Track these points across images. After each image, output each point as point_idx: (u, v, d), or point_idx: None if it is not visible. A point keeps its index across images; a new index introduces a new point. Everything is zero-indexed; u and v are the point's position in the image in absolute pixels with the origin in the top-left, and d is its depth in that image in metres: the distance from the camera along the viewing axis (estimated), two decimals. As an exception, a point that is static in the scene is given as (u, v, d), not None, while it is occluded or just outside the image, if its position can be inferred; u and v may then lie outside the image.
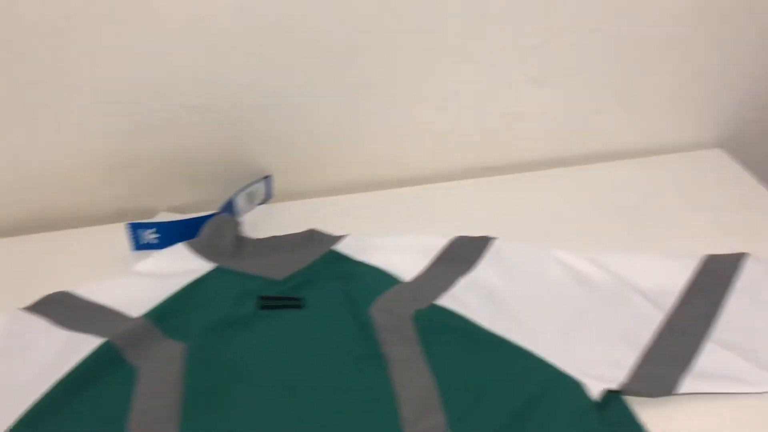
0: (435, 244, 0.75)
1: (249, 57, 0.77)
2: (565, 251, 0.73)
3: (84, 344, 0.63)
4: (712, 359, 0.62)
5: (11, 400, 0.58)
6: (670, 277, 0.71)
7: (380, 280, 0.71)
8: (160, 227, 0.77)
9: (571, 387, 0.59)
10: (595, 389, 0.58)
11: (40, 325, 0.66)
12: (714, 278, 0.71)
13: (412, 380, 0.60)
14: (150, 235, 0.77)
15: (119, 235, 0.78)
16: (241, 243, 0.77)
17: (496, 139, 0.89)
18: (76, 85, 0.75)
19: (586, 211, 0.83)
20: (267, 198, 0.87)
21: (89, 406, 0.58)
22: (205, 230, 0.76)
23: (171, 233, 0.77)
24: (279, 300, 0.69)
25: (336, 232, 0.77)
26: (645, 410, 0.58)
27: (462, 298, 0.69)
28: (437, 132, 0.87)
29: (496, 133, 0.89)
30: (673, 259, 0.73)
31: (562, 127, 0.90)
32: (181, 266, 0.73)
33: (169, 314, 0.67)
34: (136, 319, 0.66)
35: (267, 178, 0.85)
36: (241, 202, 0.82)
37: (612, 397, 0.59)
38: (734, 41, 0.88)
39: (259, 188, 0.84)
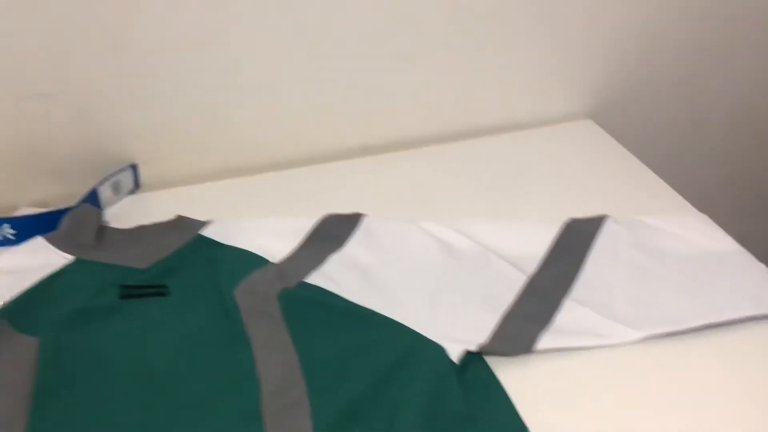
0: (305, 224, 0.74)
1: (97, 42, 0.74)
2: (433, 223, 0.74)
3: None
4: (570, 316, 0.64)
5: None
6: (534, 242, 0.72)
7: (247, 262, 0.70)
8: (17, 222, 0.74)
9: (432, 351, 0.59)
10: (455, 352, 0.59)
11: None
12: (575, 240, 0.73)
13: (274, 358, 0.59)
14: (6, 231, 0.73)
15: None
16: (104, 234, 0.74)
17: (368, 118, 0.89)
18: None
19: (458, 187, 0.84)
20: (135, 188, 0.84)
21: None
22: (65, 222, 0.73)
23: (29, 228, 0.74)
24: (141, 288, 0.67)
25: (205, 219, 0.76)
26: (506, 370, 0.60)
27: (331, 275, 0.68)
28: (306, 114, 0.87)
29: (368, 113, 0.89)
30: (537, 224, 0.75)
31: (434, 104, 0.91)
32: (38, 260, 0.70)
33: (23, 309, 0.64)
34: (-14, 316, 0.63)
35: (132, 167, 0.82)
36: (105, 192, 0.79)
37: (472, 358, 0.60)
38: (600, 12, 0.91)
39: (125, 178, 0.82)
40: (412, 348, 0.60)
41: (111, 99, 0.78)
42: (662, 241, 0.74)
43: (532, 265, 0.70)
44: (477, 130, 0.94)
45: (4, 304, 0.64)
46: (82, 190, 0.79)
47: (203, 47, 0.78)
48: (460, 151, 0.90)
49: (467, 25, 0.86)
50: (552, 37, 0.91)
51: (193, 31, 0.77)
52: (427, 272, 0.69)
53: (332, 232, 0.74)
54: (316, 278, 0.68)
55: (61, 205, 0.76)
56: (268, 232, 0.73)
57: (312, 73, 0.84)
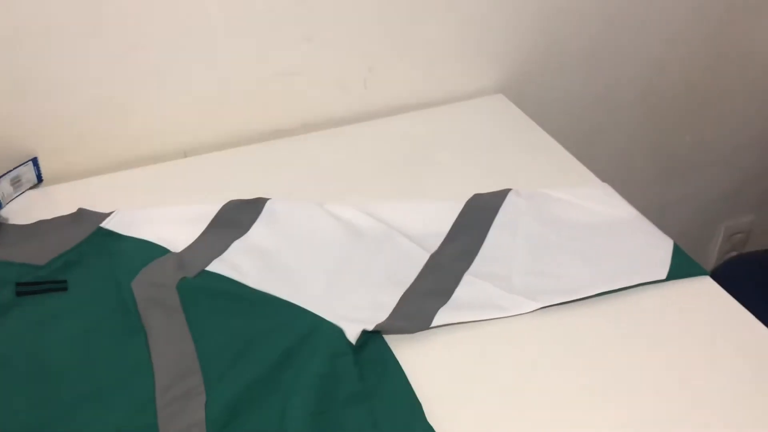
0: (207, 211, 0.74)
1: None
2: (338, 204, 0.74)
3: None
4: (468, 290, 0.65)
5: None
6: (438, 219, 0.73)
7: (147, 253, 0.69)
8: None
9: (329, 332, 0.60)
10: (352, 332, 0.60)
11: None
12: (478, 215, 0.74)
13: (170, 348, 0.59)
14: None
15: None
16: (2, 231, 0.72)
17: (273, 100, 0.88)
18: None
19: (365, 167, 0.84)
20: (37, 182, 0.82)
21: None
22: (-42, 221, 0.71)
23: None
24: (39, 285, 0.66)
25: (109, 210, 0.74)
26: (405, 346, 0.60)
27: (233, 261, 0.68)
28: (208, 98, 0.85)
29: (272, 95, 0.88)
30: (442, 202, 0.76)
31: (339, 84, 0.90)
32: (-73, 262, 0.68)
33: None
34: None
35: (33, 161, 0.80)
36: (4, 188, 0.77)
37: (371, 338, 0.60)
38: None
39: (26, 172, 0.80)
40: (310, 331, 0.60)
41: (6, 91, 0.76)
42: (564, 211, 0.75)
43: (436, 242, 0.71)
44: (386, 109, 0.94)
45: None
46: (-19, 187, 0.77)
47: (98, 33, 0.76)
48: (368, 132, 0.90)
49: (369, 1, 0.86)
50: (458, 11, 0.91)
51: (86, 17, 0.75)
52: (329, 253, 0.69)
53: (235, 218, 0.73)
54: (217, 266, 0.68)
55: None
56: (170, 221, 0.72)
57: (211, 55, 0.82)
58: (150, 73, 0.81)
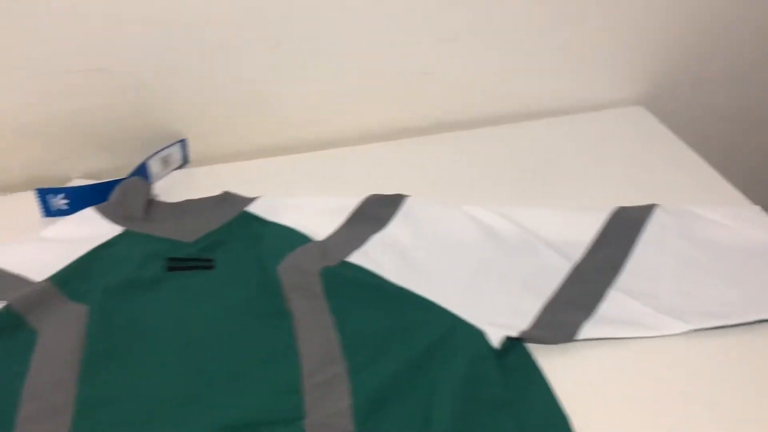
0: (348, 204, 0.74)
1: (148, 19, 0.75)
2: (476, 206, 0.73)
3: (-16, 308, 0.62)
4: (615, 306, 0.63)
5: None
6: (580, 229, 0.71)
7: (291, 239, 0.70)
8: (70, 192, 0.76)
9: (471, 334, 0.59)
10: (495, 337, 0.59)
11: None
12: (623, 228, 0.71)
13: (315, 334, 0.60)
14: (60, 201, 0.76)
15: (30, 202, 0.76)
16: (153, 207, 0.76)
17: (411, 100, 0.89)
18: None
19: (501, 171, 0.83)
20: (183, 162, 0.85)
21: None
22: (115, 194, 0.75)
23: (81, 199, 0.76)
24: (187, 261, 0.68)
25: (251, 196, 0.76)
26: (547, 357, 0.59)
27: (373, 255, 0.69)
28: (351, 93, 0.86)
29: (409, 94, 0.88)
30: (583, 211, 0.74)
31: (477, 86, 0.89)
32: (88, 230, 0.72)
33: (74, 278, 0.66)
34: (40, 283, 0.64)
35: (181, 142, 0.84)
36: (155, 166, 0.81)
37: (512, 344, 0.59)
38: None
39: (174, 152, 0.83)
40: (452, 331, 0.60)
41: (162, 75, 0.80)
42: (712, 231, 0.72)
43: (578, 252, 0.69)
44: (522, 114, 0.92)
45: (55, 272, 0.66)
46: (132, 163, 0.81)
47: (250, 25, 0.79)
48: (505, 135, 0.89)
49: (514, 5, 0.85)
50: (604, 19, 0.89)
51: (240, 9, 0.78)
52: (468, 255, 0.69)
53: (374, 213, 0.74)
54: (357, 257, 0.68)
55: (112, 177, 0.78)
56: (312, 211, 0.74)
57: (357, 52, 0.83)
58: (295, 67, 0.83)
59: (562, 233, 0.71)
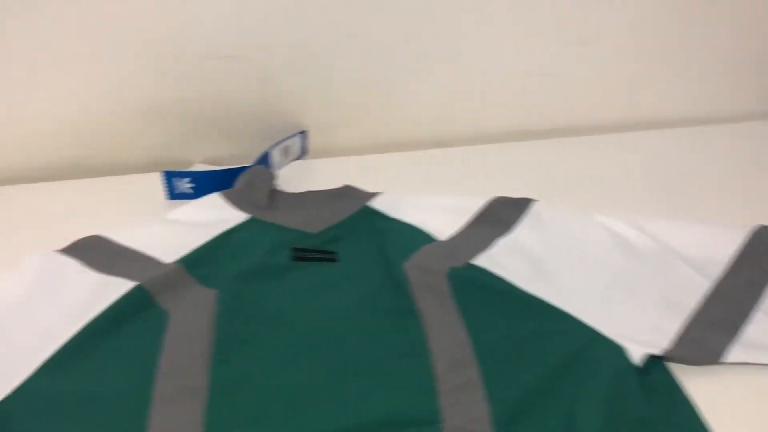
0: (472, 204, 0.73)
1: (279, 11, 0.76)
2: (609, 216, 0.71)
3: (115, 287, 0.63)
4: (761, 328, 0.60)
5: (41, 340, 0.58)
6: (719, 246, 0.68)
7: (415, 237, 0.69)
8: (196, 177, 0.76)
9: (611, 349, 0.57)
10: (636, 354, 0.56)
11: (73, 266, 0.65)
12: (766, 248, 0.68)
13: (446, 336, 0.58)
14: (185, 185, 0.77)
15: (155, 183, 0.78)
16: (276, 196, 0.76)
17: (538, 100, 0.87)
18: (96, 29, 0.74)
19: (630, 179, 0.81)
20: (302, 154, 0.85)
21: (119, 349, 0.58)
22: (241, 181, 0.75)
23: (206, 183, 0.77)
24: (313, 252, 0.68)
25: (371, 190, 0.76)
26: (687, 378, 0.56)
27: (499, 259, 0.67)
28: (476, 92, 0.85)
29: (538, 95, 0.86)
30: (721, 228, 0.70)
31: (608, 91, 0.87)
32: (215, 215, 0.72)
33: (202, 261, 0.66)
34: (169, 264, 0.65)
35: (302, 134, 0.84)
36: (276, 156, 0.81)
37: (654, 362, 0.57)
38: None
39: (295, 143, 0.83)
40: (591, 344, 0.57)
41: (289, 67, 0.80)
42: None
43: (717, 270, 0.66)
44: (651, 121, 0.89)
45: (184, 255, 0.67)
46: (251, 152, 0.82)
47: (380, 19, 0.78)
48: (634, 142, 0.86)
49: (650, 11, 0.82)
50: (739, 29, 0.85)
51: (367, 6, 0.77)
52: (602, 267, 0.66)
53: (500, 216, 0.72)
54: (483, 260, 0.66)
55: (231, 165, 0.79)
56: (436, 209, 0.72)
57: (485, 50, 0.82)
58: (416, 64, 0.83)
59: (701, 249, 0.67)
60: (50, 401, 0.54)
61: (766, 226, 0.70)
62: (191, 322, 0.60)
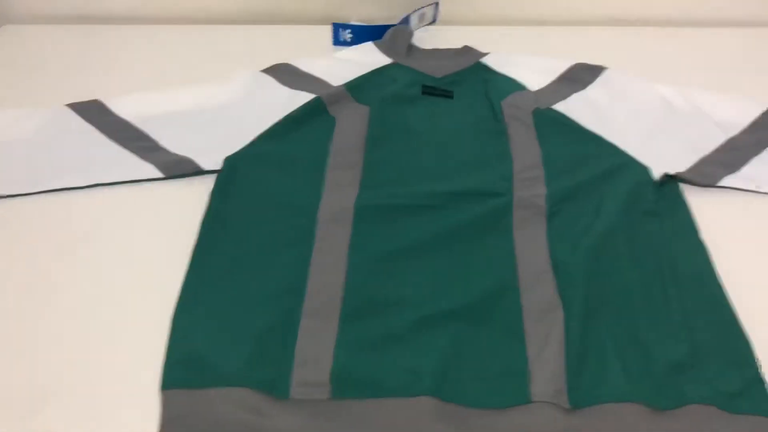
0: (559, 66, 0.97)
1: None
2: (663, 85, 0.93)
3: (300, 98, 0.92)
4: (755, 168, 0.83)
5: (257, 123, 0.88)
6: (742, 113, 0.90)
7: (513, 86, 0.95)
8: (355, 29, 1.04)
9: (639, 167, 0.82)
10: (657, 172, 0.81)
11: (271, 82, 0.95)
12: (777, 119, 0.89)
13: (525, 150, 0.85)
14: (347, 35, 1.04)
15: (322, 34, 1.06)
16: (412, 48, 1.02)
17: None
18: None
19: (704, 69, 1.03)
20: (433, 21, 1.11)
21: (304, 135, 0.88)
22: (388, 35, 1.02)
23: (362, 35, 1.04)
24: (436, 89, 0.95)
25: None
26: (692, 196, 0.81)
27: (572, 107, 0.91)
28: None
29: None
30: (747, 101, 0.91)
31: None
32: (368, 58, 1.00)
33: (359, 87, 0.94)
34: (337, 87, 0.94)
35: (435, 4, 1.09)
36: (414, 20, 1.07)
37: (668, 179, 0.81)
38: None
39: (428, 11, 1.08)
40: (624, 163, 0.82)
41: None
42: None
43: (735, 130, 0.88)
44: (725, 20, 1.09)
45: (347, 82, 0.95)
46: (394, 15, 1.07)
47: None
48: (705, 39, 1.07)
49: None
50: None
51: None
52: (648, 117, 0.89)
53: (579, 77, 0.96)
54: (560, 106, 0.91)
55: (383, 23, 1.05)
56: (531, 67, 0.97)
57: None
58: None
59: (727, 113, 0.89)
60: (263, 158, 0.84)
61: (780, 102, 0.91)
62: (351, 125, 0.89)
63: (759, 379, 0.62)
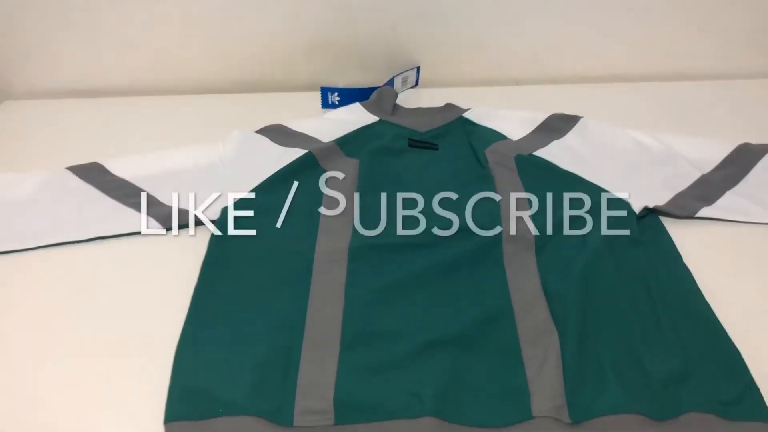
0: (537, 117, 1.03)
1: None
2: (634, 129, 0.98)
3: (292, 154, 0.96)
4: (728, 201, 0.87)
5: (251, 176, 0.92)
6: (712, 152, 0.95)
7: (494, 137, 1.00)
8: (342, 92, 1.10)
9: (619, 201, 0.85)
10: (636, 205, 0.85)
11: (264, 141, 0.99)
12: (746, 156, 0.94)
13: (510, 188, 0.89)
14: (335, 97, 1.10)
15: (311, 99, 1.11)
16: (397, 108, 1.08)
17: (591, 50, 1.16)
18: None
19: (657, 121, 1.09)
20: (415, 84, 1.17)
21: (299, 186, 0.91)
22: (374, 96, 1.08)
23: (349, 97, 1.09)
24: (422, 142, 1.00)
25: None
26: (673, 227, 0.84)
27: (552, 153, 0.96)
28: (545, 42, 1.15)
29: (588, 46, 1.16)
30: (716, 141, 0.97)
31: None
32: (356, 117, 1.05)
33: (349, 142, 0.99)
34: (327, 143, 0.98)
35: (417, 68, 1.15)
36: (397, 83, 1.13)
37: (648, 213, 0.85)
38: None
39: (410, 75, 1.15)
40: (605, 197, 0.86)
41: (409, 17, 1.11)
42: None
43: (708, 167, 0.93)
44: (683, 74, 1.16)
45: (337, 138, 0.99)
46: (379, 80, 1.14)
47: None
48: (667, 92, 1.14)
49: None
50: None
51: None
52: (623, 158, 0.94)
53: (556, 126, 1.01)
54: (540, 153, 0.96)
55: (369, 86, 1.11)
56: (511, 120, 1.03)
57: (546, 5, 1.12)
58: (505, 12, 1.12)
59: (699, 152, 0.95)
60: (259, 207, 0.87)
61: (747, 143, 0.96)
62: (344, 178, 0.93)
63: (753, 385, 0.64)
